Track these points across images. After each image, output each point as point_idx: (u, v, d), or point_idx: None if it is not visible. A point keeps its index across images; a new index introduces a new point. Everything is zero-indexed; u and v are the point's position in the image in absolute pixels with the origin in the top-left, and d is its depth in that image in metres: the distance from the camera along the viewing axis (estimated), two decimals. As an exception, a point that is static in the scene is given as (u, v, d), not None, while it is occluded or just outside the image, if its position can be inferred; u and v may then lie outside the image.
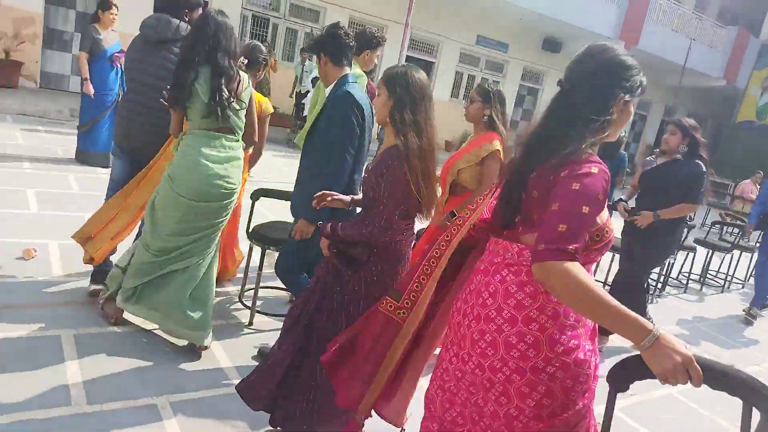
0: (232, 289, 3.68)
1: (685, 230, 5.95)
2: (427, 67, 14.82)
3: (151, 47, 2.93)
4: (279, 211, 4.35)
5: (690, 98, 20.09)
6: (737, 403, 1.27)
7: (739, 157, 17.73)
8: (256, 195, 3.32)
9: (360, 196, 2.22)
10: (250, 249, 3.42)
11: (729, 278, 6.62)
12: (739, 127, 18.82)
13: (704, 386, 1.21)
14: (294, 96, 10.49)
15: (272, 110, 3.63)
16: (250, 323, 3.25)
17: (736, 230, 6.84)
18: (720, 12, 19.73)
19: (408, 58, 11.36)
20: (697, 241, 6.28)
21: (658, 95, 19.71)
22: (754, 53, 18.53)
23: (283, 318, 2.37)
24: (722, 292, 6.46)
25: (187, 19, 3.01)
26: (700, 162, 3.80)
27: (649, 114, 20.38)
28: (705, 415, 3.33)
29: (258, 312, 3.32)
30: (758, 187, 11.31)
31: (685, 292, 6.06)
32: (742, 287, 6.87)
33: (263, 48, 3.38)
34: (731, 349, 4.59)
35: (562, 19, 13.67)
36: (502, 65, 16.01)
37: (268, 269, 3.41)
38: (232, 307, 3.45)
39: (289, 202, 2.93)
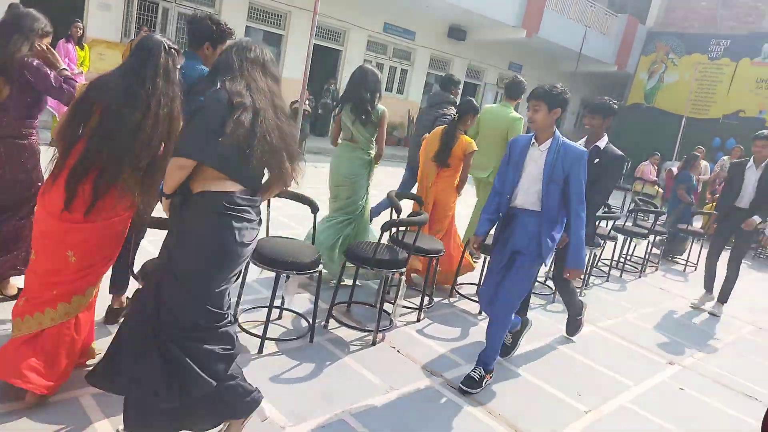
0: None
1: (608, 221, 6.02)
2: (335, 55, 14.32)
3: None
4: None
5: (585, 83, 21.04)
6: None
7: (631, 138, 18.80)
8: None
9: None
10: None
11: (645, 262, 6.81)
12: (630, 109, 19.94)
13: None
14: None
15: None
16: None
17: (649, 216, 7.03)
18: (610, 0, 20.75)
19: (315, 47, 10.82)
20: (616, 229, 6.36)
21: (555, 81, 20.41)
22: (641, 40, 19.67)
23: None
24: (639, 277, 6.61)
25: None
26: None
27: (549, 99, 21.08)
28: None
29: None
30: (656, 168, 11.93)
31: (607, 280, 6.12)
32: (655, 270, 7.09)
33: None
34: (662, 341, 4.61)
35: (467, 7, 13.66)
36: (410, 53, 15.83)
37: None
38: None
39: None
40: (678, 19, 19.74)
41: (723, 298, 5.54)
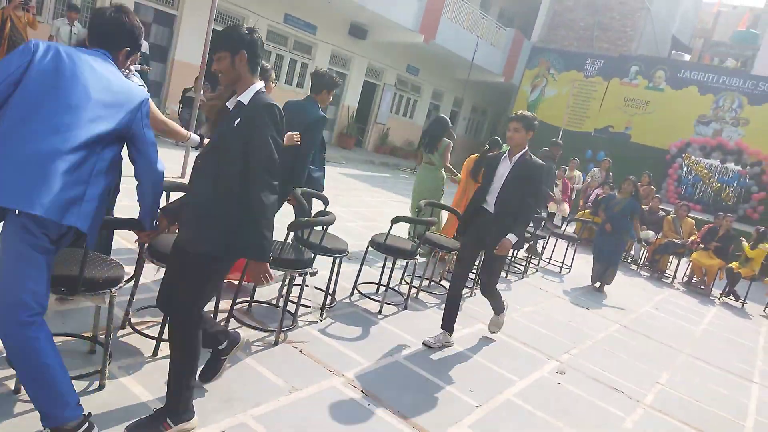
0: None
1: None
2: (232, 42, 13.81)
3: None
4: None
5: (475, 92, 22.08)
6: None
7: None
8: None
9: None
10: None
11: (527, 264, 7.32)
12: (514, 119, 21.19)
13: None
14: None
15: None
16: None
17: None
18: (500, 13, 21.93)
19: (213, 32, 10.37)
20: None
21: (449, 87, 21.29)
22: (526, 54, 20.98)
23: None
24: (522, 278, 7.09)
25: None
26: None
27: (442, 103, 21.91)
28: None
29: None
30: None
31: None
32: (536, 271, 7.65)
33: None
34: (542, 338, 4.99)
35: (368, 6, 13.80)
36: (311, 47, 15.69)
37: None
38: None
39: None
40: (559, 37, 21.31)
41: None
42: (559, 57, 20.56)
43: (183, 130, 3.21)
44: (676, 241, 9.75)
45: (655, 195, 11.08)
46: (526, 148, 4.11)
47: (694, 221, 10.24)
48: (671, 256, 10.00)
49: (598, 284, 7.54)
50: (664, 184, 17.15)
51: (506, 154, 4.14)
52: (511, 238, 3.93)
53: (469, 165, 6.45)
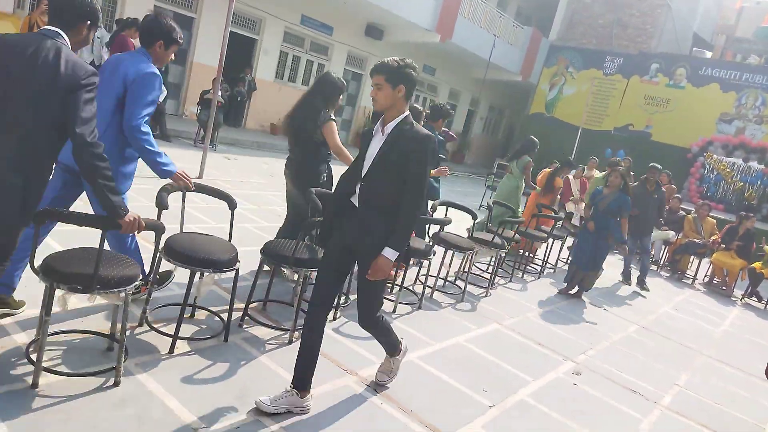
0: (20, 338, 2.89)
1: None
2: (251, 44, 13.96)
3: None
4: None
5: (492, 91, 21.98)
6: None
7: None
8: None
9: None
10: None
11: (545, 264, 7.27)
12: (532, 118, 21.09)
13: None
14: None
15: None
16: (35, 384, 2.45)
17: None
18: (517, 12, 21.79)
19: (230, 35, 10.48)
20: (519, 232, 6.72)
21: (466, 87, 21.21)
22: (544, 52, 20.83)
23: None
24: (539, 277, 7.05)
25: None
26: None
27: (458, 103, 21.84)
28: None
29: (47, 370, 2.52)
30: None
31: (511, 281, 6.47)
32: (554, 271, 7.59)
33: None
34: (558, 338, 4.95)
35: (384, 6, 13.82)
36: (327, 48, 15.76)
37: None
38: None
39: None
40: (578, 35, 21.12)
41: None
42: (577, 55, 20.38)
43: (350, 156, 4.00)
44: (697, 241, 9.60)
45: (675, 195, 10.92)
46: (406, 112, 2.72)
47: (715, 221, 10.07)
48: (692, 257, 9.85)
49: (574, 290, 6.46)
50: (685, 183, 16.91)
51: (378, 123, 2.82)
52: (388, 254, 2.61)
53: (542, 180, 7.82)
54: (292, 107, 4.38)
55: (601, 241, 6.30)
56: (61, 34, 2.33)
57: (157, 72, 3.09)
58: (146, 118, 3.02)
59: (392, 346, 3.17)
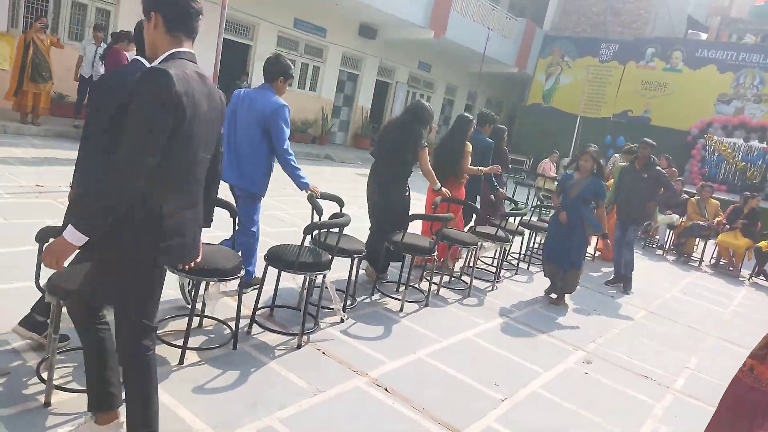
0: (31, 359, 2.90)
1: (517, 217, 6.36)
2: (244, 50, 13.96)
3: None
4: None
5: (489, 84, 21.94)
6: None
7: (531, 136, 19.90)
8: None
9: None
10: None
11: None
12: (530, 109, 21.08)
13: None
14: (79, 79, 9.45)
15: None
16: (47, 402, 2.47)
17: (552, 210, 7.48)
18: (510, 4, 21.74)
19: (224, 42, 10.50)
20: (523, 224, 6.73)
21: (462, 81, 21.18)
22: (539, 43, 20.80)
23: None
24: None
25: None
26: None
27: (456, 98, 21.83)
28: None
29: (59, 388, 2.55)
30: (555, 165, 12.70)
31: (516, 273, 6.47)
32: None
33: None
34: (567, 328, 4.95)
35: (376, 5, 13.80)
36: (322, 50, 15.76)
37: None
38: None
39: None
40: (571, 24, 21.08)
41: None
42: (572, 44, 20.34)
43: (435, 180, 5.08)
44: (701, 223, 9.57)
45: (677, 178, 10.88)
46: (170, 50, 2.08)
47: (718, 202, 10.04)
48: (697, 239, 9.83)
49: (554, 295, 5.62)
50: (687, 165, 16.86)
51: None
52: (68, 235, 1.83)
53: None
54: (386, 128, 5.08)
55: (576, 234, 5.39)
56: None
57: (285, 103, 3.86)
58: (287, 141, 3.81)
59: (113, 400, 2.25)
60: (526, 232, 6.94)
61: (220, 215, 3.68)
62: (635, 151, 7.03)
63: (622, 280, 6.70)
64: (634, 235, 6.76)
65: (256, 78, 14.07)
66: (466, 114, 5.70)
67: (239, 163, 3.82)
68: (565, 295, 5.61)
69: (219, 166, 2.51)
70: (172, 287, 3.72)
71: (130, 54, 8.04)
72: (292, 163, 3.83)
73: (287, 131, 3.81)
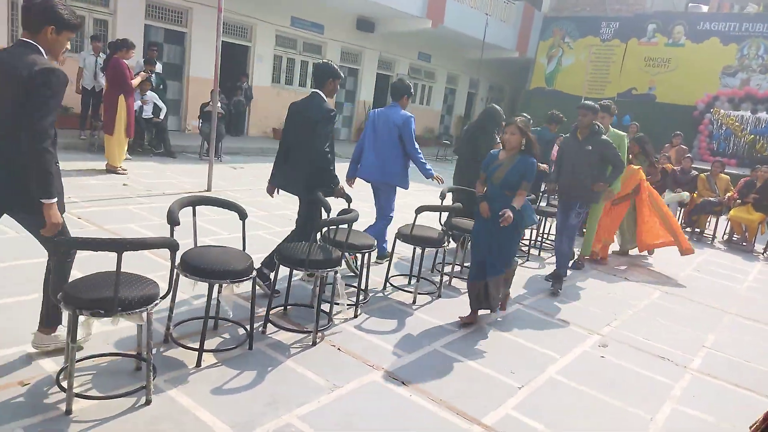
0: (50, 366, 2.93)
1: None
2: (243, 51, 13.96)
3: None
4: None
5: (490, 71, 21.80)
6: None
7: (536, 120, 19.73)
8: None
9: None
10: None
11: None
12: (533, 93, 20.92)
13: None
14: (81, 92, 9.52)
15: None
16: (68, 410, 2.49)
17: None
18: (507, -11, 21.53)
19: (223, 44, 10.51)
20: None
21: (463, 69, 21.07)
22: (538, 25, 20.62)
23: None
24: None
25: None
26: None
27: (458, 87, 21.72)
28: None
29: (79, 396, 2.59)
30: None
31: (528, 259, 6.45)
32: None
33: None
34: (581, 312, 4.94)
35: (372, -2, 13.73)
36: (320, 47, 15.72)
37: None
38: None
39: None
40: (570, 4, 20.87)
41: None
42: (572, 24, 20.15)
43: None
44: (712, 199, 9.49)
45: (687, 155, 10.77)
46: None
47: (729, 177, 9.94)
48: (709, 216, 9.74)
49: (490, 309, 4.31)
50: (695, 141, 16.70)
51: None
52: (47, 204, 2.56)
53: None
54: (468, 130, 6.47)
55: (504, 229, 4.01)
56: None
57: (411, 114, 4.99)
58: (416, 143, 5.02)
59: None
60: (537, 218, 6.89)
61: (230, 216, 3.70)
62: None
63: (554, 276, 5.48)
64: (577, 220, 5.54)
65: (257, 78, 14.09)
66: (556, 113, 7.53)
67: (383, 165, 4.96)
68: (503, 304, 4.51)
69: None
70: (185, 291, 3.74)
71: (130, 61, 8.07)
72: (421, 159, 5.01)
73: (414, 135, 4.95)
